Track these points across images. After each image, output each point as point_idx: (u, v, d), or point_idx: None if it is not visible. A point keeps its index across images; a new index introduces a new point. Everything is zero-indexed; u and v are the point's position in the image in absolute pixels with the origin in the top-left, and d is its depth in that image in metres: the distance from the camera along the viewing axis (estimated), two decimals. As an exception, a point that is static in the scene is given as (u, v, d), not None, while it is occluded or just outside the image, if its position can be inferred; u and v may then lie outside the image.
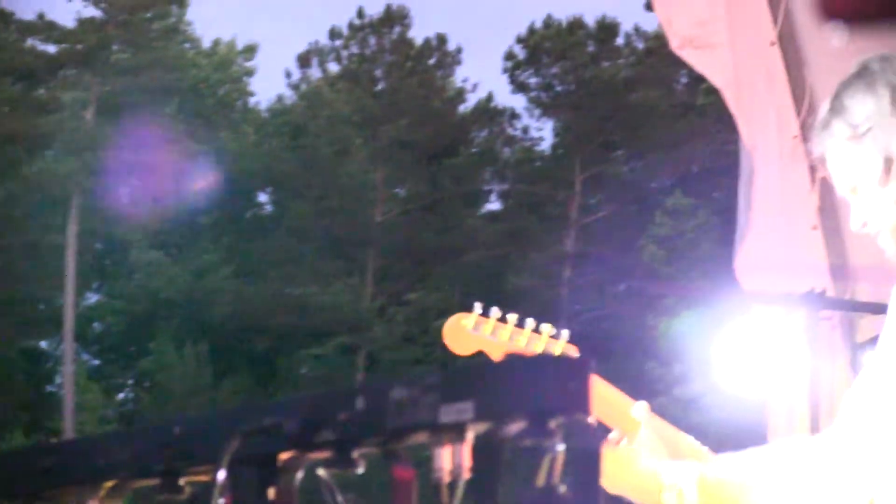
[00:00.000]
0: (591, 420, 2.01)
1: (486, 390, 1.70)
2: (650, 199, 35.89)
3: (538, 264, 35.12)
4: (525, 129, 43.21)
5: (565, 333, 3.34)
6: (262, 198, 39.60)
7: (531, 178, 41.06)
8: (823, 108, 3.40)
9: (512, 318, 3.25)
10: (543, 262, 35.52)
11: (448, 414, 1.71)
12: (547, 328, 3.31)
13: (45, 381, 38.67)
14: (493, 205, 42.72)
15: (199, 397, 31.76)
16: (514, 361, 1.73)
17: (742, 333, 6.38)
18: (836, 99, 3.31)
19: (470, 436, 1.76)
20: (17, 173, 32.23)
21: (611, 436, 3.38)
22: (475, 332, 3.31)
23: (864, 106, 3.21)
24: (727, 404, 6.67)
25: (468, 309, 3.25)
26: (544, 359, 2.61)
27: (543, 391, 1.64)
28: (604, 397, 3.36)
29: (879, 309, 6.72)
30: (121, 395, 40.26)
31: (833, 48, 7.05)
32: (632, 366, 26.54)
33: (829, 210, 7.15)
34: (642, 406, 3.39)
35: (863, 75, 3.30)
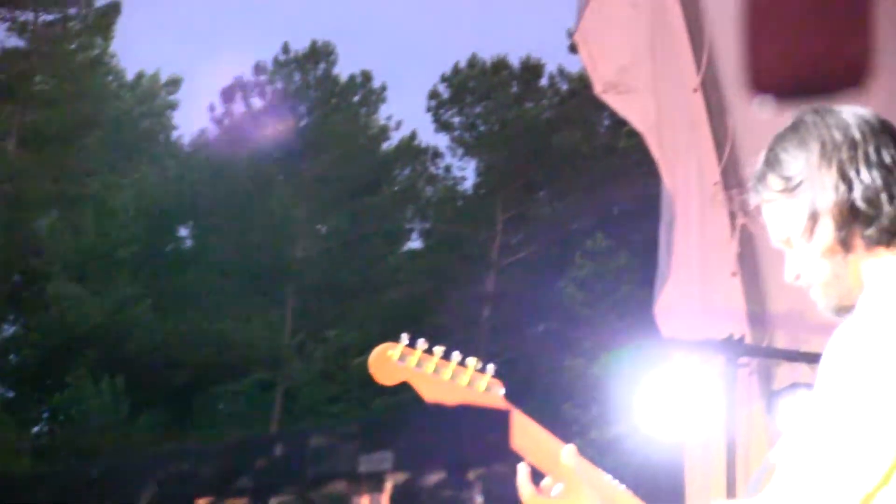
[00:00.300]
0: (509, 471, 2.02)
1: (405, 440, 1.69)
2: (571, 240, 36.14)
3: (457, 304, 35.27)
4: (448, 168, 43.32)
5: (490, 368, 3.27)
6: (183, 232, 39.49)
7: (453, 217, 41.15)
8: (759, 159, 3.30)
9: (438, 350, 3.20)
10: (463, 302, 35.70)
11: (367, 463, 1.70)
12: (472, 362, 3.23)
13: (-42, 413, 38.35)
14: (415, 243, 42.92)
15: (115, 431, 31.41)
16: (435, 412, 1.74)
17: (661, 377, 6.45)
18: (771, 151, 3.27)
19: (388, 486, 1.74)
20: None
21: (543, 483, 3.29)
22: (401, 363, 3.24)
23: (796, 160, 3.21)
24: (644, 447, 6.72)
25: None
26: (464, 410, 2.60)
27: (463, 442, 1.63)
28: (535, 441, 3.35)
29: (796, 357, 6.88)
30: (35, 429, 39.88)
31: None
32: (548, 407, 26.68)
33: (748, 257, 7.28)
34: (571, 450, 3.31)
35: (797, 128, 3.26)
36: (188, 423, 33.41)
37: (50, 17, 33.66)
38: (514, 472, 3.26)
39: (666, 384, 6.40)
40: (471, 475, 1.77)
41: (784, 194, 3.19)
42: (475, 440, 1.66)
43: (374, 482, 1.75)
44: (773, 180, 3.21)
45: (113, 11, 34.36)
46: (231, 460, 1.88)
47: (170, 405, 34.28)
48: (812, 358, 6.49)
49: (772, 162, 3.24)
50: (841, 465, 2.93)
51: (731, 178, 7.36)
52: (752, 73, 7.15)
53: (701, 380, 6.45)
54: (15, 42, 32.93)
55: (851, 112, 3.26)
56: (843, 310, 3.10)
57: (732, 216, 7.37)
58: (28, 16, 33.29)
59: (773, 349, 7.04)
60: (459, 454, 1.65)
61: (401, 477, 1.72)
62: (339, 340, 33.69)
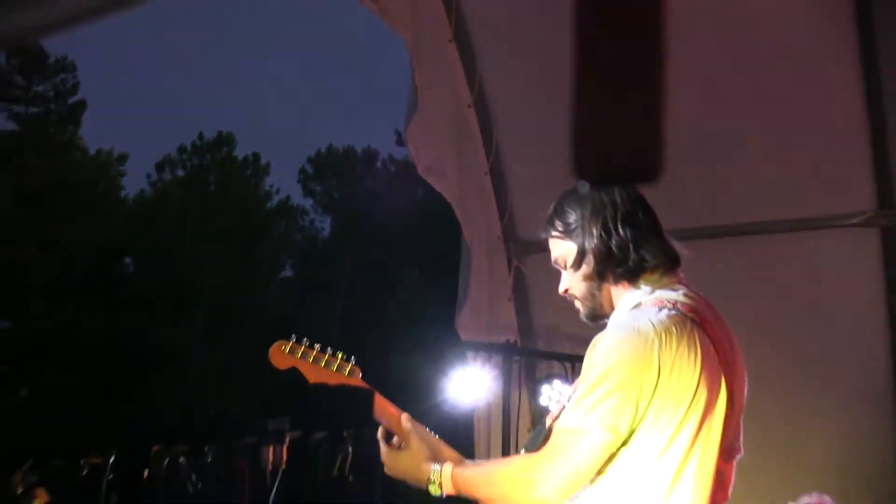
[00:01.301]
0: (371, 432, 2.02)
1: (300, 409, 1.69)
2: (396, 278, 36.17)
3: (316, 318, 34.86)
4: (311, 223, 43.19)
5: (353, 359, 3.32)
6: (127, 261, 38.62)
7: (314, 257, 40.47)
8: (550, 208, 3.29)
9: (316, 346, 3.28)
10: (320, 317, 35.30)
11: (273, 424, 1.71)
12: (340, 354, 3.29)
13: None
14: (288, 273, 42.57)
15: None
16: (318, 389, 1.74)
17: (462, 368, 6.27)
18: (559, 204, 3.26)
19: (287, 439, 1.72)
20: None
21: (393, 440, 3.32)
22: (290, 354, 3.29)
23: (574, 212, 3.18)
24: (451, 414, 6.51)
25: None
26: (340, 388, 2.63)
27: (339, 411, 1.63)
28: (387, 411, 3.32)
29: (551, 356, 6.76)
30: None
31: (529, 177, 7.06)
32: (381, 390, 26.39)
33: (519, 288, 7.22)
34: (406, 417, 3.32)
35: (577, 191, 3.24)
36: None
37: (36, 110, 33.61)
38: (374, 433, 3.35)
39: (465, 372, 6.24)
40: (345, 434, 1.78)
41: (563, 235, 3.19)
42: (348, 410, 1.67)
43: (277, 437, 1.76)
44: (558, 224, 3.19)
45: (80, 107, 34.21)
46: (177, 420, 1.85)
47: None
48: (561, 357, 6.27)
49: (558, 211, 3.22)
50: (586, 421, 2.86)
51: (510, 234, 7.15)
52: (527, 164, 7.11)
53: (488, 370, 6.23)
54: (11, 126, 32.25)
55: (614, 189, 3.25)
56: (595, 318, 3.16)
57: (509, 260, 7.10)
58: (20, 108, 32.92)
59: (536, 350, 6.82)
60: (337, 419, 1.67)
61: (296, 434, 1.72)
62: (236, 342, 32.96)
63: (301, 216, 43.56)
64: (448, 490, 3.19)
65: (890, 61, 5.82)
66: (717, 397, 2.98)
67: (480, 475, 3.16)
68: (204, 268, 33.99)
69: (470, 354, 6.31)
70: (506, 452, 5.88)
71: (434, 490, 3.22)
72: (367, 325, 33.84)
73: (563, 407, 3.01)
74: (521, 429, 6.13)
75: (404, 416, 3.32)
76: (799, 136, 6.26)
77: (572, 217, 3.19)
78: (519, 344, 6.66)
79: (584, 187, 3.21)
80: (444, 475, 3.18)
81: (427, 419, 3.28)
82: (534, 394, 6.38)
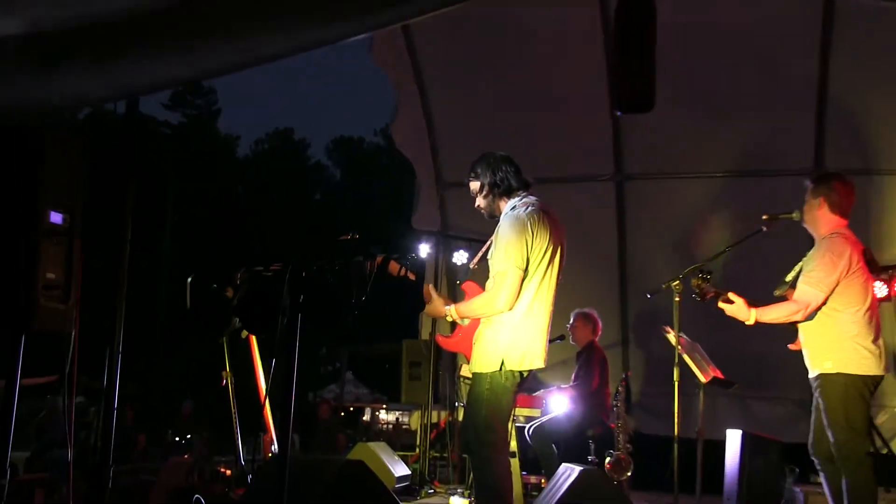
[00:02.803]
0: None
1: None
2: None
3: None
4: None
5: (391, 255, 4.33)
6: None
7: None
8: (470, 165, 4.85)
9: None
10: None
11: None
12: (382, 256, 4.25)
13: None
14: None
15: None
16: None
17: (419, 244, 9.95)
18: (473, 163, 4.81)
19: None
20: None
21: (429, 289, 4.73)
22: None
23: (479, 165, 4.73)
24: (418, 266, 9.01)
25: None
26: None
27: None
28: (426, 287, 4.73)
29: (459, 238, 9.74)
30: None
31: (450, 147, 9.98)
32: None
33: (443, 205, 10.75)
34: (429, 286, 4.73)
35: (482, 155, 4.80)
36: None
37: (195, 112, 43.62)
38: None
39: (421, 246, 9.30)
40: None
41: (474, 178, 4.78)
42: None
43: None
44: (471, 173, 4.77)
45: (218, 112, 45.05)
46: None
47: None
48: (464, 239, 9.59)
49: (473, 166, 4.78)
50: (509, 265, 4.46)
51: (439, 176, 10.72)
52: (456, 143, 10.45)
53: (429, 245, 9.37)
54: (182, 120, 41.79)
55: (497, 153, 4.80)
56: (493, 217, 4.75)
57: (438, 189, 10.79)
58: (188, 111, 43.38)
59: (451, 234, 10.28)
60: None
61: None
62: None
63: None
64: (455, 316, 4.71)
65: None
66: (556, 252, 4.62)
67: (470, 305, 4.70)
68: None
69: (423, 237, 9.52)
70: (438, 279, 9.63)
71: (450, 316, 4.72)
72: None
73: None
74: (441, 271, 10.05)
75: (429, 287, 4.73)
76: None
77: (479, 168, 4.73)
78: (441, 231, 10.44)
79: (486, 153, 4.70)
80: (452, 309, 4.68)
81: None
82: (450, 257, 9.95)
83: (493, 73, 9.88)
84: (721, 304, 5.28)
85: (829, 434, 5.01)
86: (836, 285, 5.01)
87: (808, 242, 5.44)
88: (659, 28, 4.54)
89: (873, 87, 8.72)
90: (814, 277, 5.01)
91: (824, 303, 5.03)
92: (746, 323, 5.25)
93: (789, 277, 5.34)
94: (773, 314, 5.18)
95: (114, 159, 4.33)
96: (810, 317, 5.08)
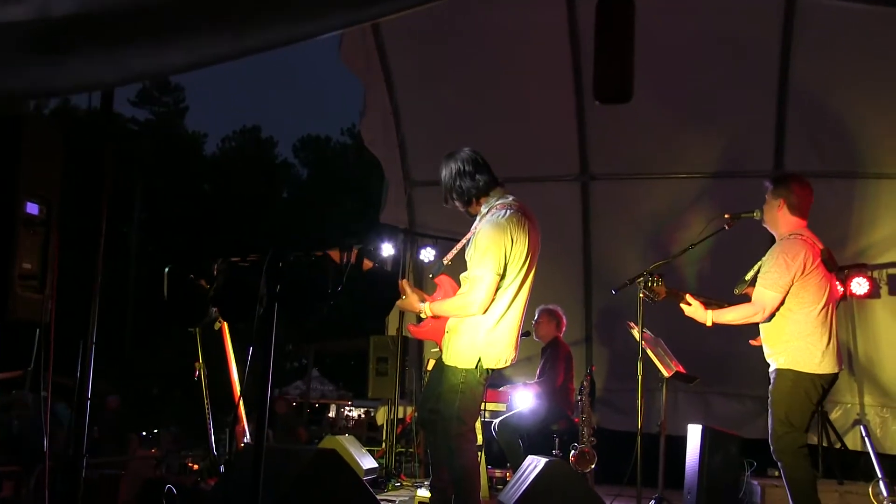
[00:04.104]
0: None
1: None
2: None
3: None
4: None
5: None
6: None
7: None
8: (442, 164, 4.87)
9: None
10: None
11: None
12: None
13: None
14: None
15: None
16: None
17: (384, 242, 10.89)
18: (442, 162, 4.83)
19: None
20: None
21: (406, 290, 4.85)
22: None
23: (446, 167, 4.77)
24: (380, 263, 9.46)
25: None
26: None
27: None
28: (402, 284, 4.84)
29: (425, 235, 10.64)
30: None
31: (417, 147, 10.07)
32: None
33: (409, 203, 10.73)
34: (405, 282, 4.87)
35: (449, 154, 4.81)
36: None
37: (163, 109, 43.69)
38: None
39: (385, 244, 10.16)
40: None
41: (442, 182, 4.83)
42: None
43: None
44: (441, 172, 4.83)
45: (186, 109, 45.44)
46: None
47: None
48: (430, 236, 9.79)
49: (441, 166, 4.80)
50: (485, 270, 4.54)
51: (407, 175, 10.75)
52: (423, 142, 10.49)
53: (393, 243, 9.52)
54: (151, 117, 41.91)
55: (466, 149, 4.80)
56: (471, 216, 4.81)
57: (406, 188, 10.78)
58: (156, 108, 43.60)
59: (419, 232, 10.30)
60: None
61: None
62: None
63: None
64: (428, 313, 4.80)
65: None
66: (534, 254, 4.71)
67: (444, 305, 4.75)
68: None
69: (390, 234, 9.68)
70: (404, 276, 9.49)
71: (423, 313, 4.81)
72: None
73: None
74: (408, 268, 10.09)
75: (404, 282, 4.88)
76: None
77: (443, 173, 4.80)
78: (409, 228, 10.53)
79: (454, 151, 4.75)
80: (427, 306, 4.76)
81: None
82: (417, 253, 10.14)
83: (462, 73, 9.92)
84: (681, 305, 5.42)
85: (770, 425, 5.14)
86: (791, 286, 5.10)
87: (767, 241, 5.53)
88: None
89: (833, 90, 8.84)
90: (769, 279, 5.12)
91: (782, 303, 5.14)
92: (705, 324, 5.39)
93: (749, 276, 5.46)
94: (731, 316, 5.31)
95: (85, 153, 4.31)
96: (769, 318, 5.20)
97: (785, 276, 5.08)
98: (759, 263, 5.37)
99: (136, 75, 3.32)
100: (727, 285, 5.67)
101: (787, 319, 5.16)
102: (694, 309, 5.37)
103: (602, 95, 4.26)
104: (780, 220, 5.28)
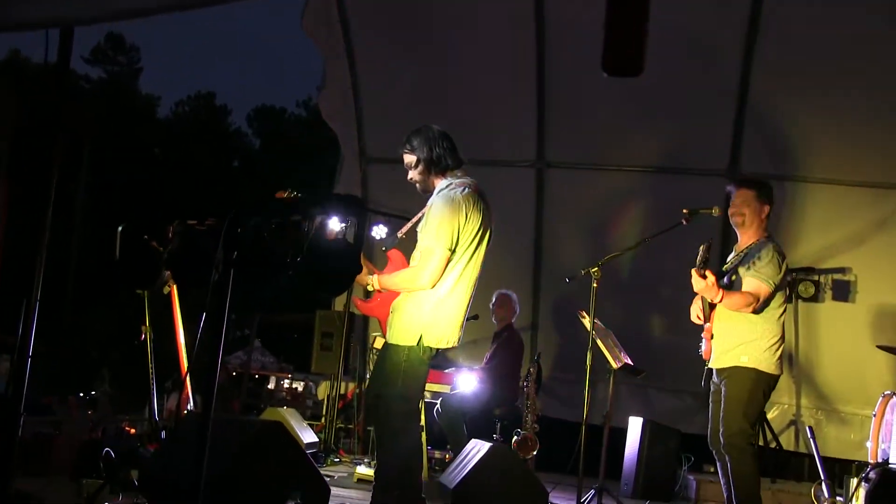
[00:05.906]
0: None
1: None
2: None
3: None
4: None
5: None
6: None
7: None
8: (405, 137, 4.75)
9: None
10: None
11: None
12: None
13: None
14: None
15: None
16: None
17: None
18: (408, 135, 4.71)
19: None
20: None
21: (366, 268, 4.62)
22: None
23: (416, 139, 4.64)
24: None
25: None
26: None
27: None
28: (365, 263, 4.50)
29: (377, 213, 10.94)
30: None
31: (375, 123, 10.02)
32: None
33: (364, 178, 10.61)
34: (365, 262, 4.52)
35: (418, 128, 4.71)
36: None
37: (117, 68, 42.89)
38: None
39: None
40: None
41: (410, 151, 4.68)
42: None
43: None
44: (407, 146, 4.67)
45: (140, 70, 44.17)
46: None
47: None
48: (383, 213, 8.79)
49: (408, 139, 4.67)
50: (437, 244, 4.50)
51: (363, 151, 10.61)
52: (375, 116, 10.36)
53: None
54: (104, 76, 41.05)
55: (434, 127, 4.71)
56: (426, 192, 4.72)
57: (360, 164, 10.66)
58: (110, 67, 42.16)
59: (372, 209, 9.42)
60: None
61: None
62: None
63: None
64: (376, 286, 4.72)
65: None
66: (485, 236, 4.70)
67: (393, 278, 4.69)
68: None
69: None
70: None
71: (371, 285, 4.73)
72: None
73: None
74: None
75: (365, 264, 4.57)
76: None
77: (415, 142, 4.64)
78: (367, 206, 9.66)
79: (423, 126, 4.63)
80: (375, 279, 4.70)
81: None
82: (369, 230, 8.56)
83: (425, 53, 9.86)
84: (695, 276, 5.21)
85: (722, 422, 5.13)
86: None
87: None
88: (592, 22, 4.49)
89: (791, 95, 8.90)
90: (767, 273, 5.15)
91: (771, 297, 5.18)
92: (714, 301, 5.27)
93: (726, 267, 5.51)
94: (728, 301, 5.23)
95: (37, 109, 4.15)
96: (758, 310, 5.20)
97: (779, 274, 5.16)
98: (732, 258, 5.42)
99: (111, 14, 3.12)
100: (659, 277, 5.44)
101: (760, 318, 5.21)
102: (709, 286, 5.19)
103: (612, 67, 4.06)
104: (761, 223, 5.36)
